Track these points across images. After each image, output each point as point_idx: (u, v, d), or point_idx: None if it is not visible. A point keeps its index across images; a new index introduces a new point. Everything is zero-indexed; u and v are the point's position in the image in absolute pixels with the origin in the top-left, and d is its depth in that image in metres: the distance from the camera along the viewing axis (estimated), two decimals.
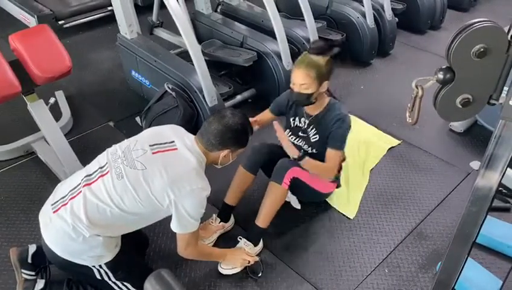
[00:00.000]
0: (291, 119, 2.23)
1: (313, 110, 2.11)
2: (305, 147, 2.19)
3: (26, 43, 2.22)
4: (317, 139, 2.13)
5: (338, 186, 2.34)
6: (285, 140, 2.03)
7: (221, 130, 1.76)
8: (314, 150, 2.17)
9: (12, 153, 2.71)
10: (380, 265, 2.12)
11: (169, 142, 1.74)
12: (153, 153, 1.70)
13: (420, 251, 2.19)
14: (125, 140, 1.81)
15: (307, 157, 2.02)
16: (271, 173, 2.12)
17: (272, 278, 2.04)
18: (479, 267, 2.03)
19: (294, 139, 2.22)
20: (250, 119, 2.02)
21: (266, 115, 2.29)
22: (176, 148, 1.72)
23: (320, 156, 2.09)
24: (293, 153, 2.01)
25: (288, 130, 2.25)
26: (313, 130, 2.14)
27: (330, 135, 2.06)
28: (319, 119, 2.11)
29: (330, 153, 2.07)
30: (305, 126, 2.16)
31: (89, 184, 1.67)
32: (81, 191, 1.66)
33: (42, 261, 1.87)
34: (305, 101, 2.02)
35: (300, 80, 1.94)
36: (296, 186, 2.13)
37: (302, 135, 2.19)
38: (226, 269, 2.04)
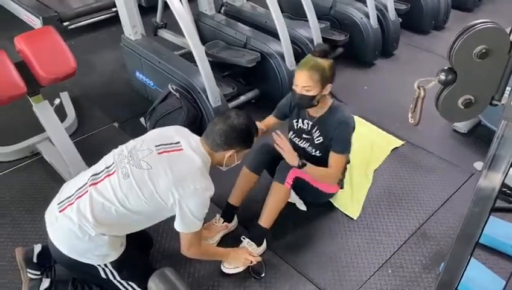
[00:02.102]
0: (294, 121, 2.23)
1: (315, 112, 2.11)
2: (310, 149, 2.19)
3: (31, 44, 2.24)
4: (321, 141, 2.13)
5: (341, 187, 2.34)
6: (286, 149, 2.00)
7: (226, 130, 1.77)
8: (318, 152, 2.17)
9: (18, 154, 2.72)
10: (384, 265, 2.12)
11: (174, 143, 1.76)
12: (159, 153, 1.71)
13: (423, 251, 2.19)
14: (131, 140, 1.83)
15: (307, 166, 2.01)
16: (274, 173, 2.12)
17: (275, 278, 2.05)
18: (482, 267, 2.03)
19: (299, 141, 2.22)
20: (258, 125, 2.02)
21: (270, 120, 2.29)
22: (182, 149, 1.74)
23: (324, 159, 2.10)
24: (293, 161, 2.00)
25: (292, 132, 2.25)
26: (316, 132, 2.14)
27: (333, 138, 2.05)
28: (322, 121, 2.11)
29: (333, 157, 2.07)
30: (309, 128, 2.16)
31: (95, 184, 1.69)
32: (87, 191, 1.68)
33: (47, 260, 1.88)
34: (307, 103, 2.01)
35: (303, 82, 1.94)
36: (300, 187, 2.14)
37: (306, 136, 2.20)
38: (228, 268, 2.05)
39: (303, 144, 2.21)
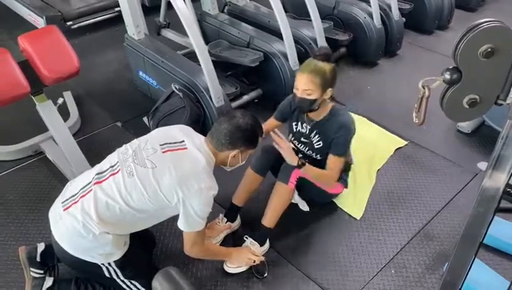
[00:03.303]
0: (293, 124, 2.22)
1: (315, 116, 2.10)
2: (309, 152, 2.19)
3: (35, 44, 2.24)
4: (320, 145, 2.13)
5: (345, 187, 2.34)
6: (285, 148, 2.00)
7: (231, 129, 1.77)
8: (318, 156, 2.17)
9: (21, 153, 2.73)
10: (387, 266, 2.11)
11: (179, 142, 1.76)
12: (163, 152, 1.72)
13: (427, 251, 2.18)
14: (135, 139, 1.83)
15: (306, 165, 2.01)
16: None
17: (278, 277, 2.05)
18: (486, 268, 2.02)
19: (298, 144, 2.22)
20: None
21: (271, 123, 2.29)
22: (186, 148, 1.74)
23: (324, 162, 2.10)
24: (292, 160, 2.00)
25: (291, 135, 2.25)
26: (316, 137, 2.14)
27: (333, 141, 2.05)
28: (321, 125, 2.10)
29: (331, 159, 2.06)
30: (307, 132, 2.16)
31: (100, 182, 1.69)
32: (92, 189, 1.68)
33: (51, 259, 1.89)
34: (307, 107, 2.01)
35: (304, 86, 1.94)
36: (303, 187, 2.14)
37: (304, 140, 2.19)
38: (231, 267, 2.05)
39: (302, 148, 2.21)
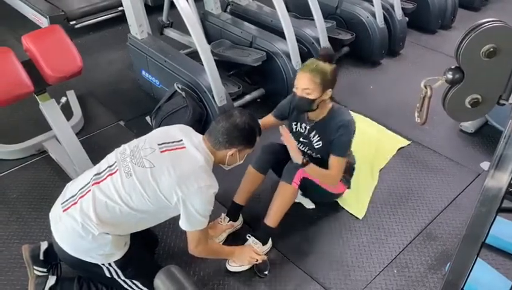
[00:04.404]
0: (293, 124, 2.23)
1: (314, 116, 2.11)
2: (309, 152, 2.19)
3: (38, 43, 2.25)
4: (320, 145, 2.13)
5: (348, 187, 2.34)
6: (291, 145, 2.02)
7: (229, 128, 1.77)
8: (318, 155, 2.17)
9: (24, 152, 2.74)
10: (389, 265, 2.11)
11: (177, 141, 1.76)
12: (161, 151, 1.72)
13: (429, 251, 2.18)
14: (134, 139, 1.84)
15: (310, 164, 2.01)
16: (281, 172, 2.12)
17: (281, 277, 2.05)
18: (489, 268, 2.02)
19: (298, 144, 2.22)
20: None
21: (269, 119, 2.29)
22: (184, 147, 1.74)
23: (324, 161, 2.10)
24: (297, 158, 2.01)
25: (290, 135, 2.25)
26: (315, 137, 2.14)
27: (333, 142, 2.05)
28: (321, 125, 2.11)
29: (333, 160, 2.06)
30: (306, 132, 2.16)
31: (98, 183, 1.69)
32: (90, 190, 1.68)
33: (54, 258, 1.89)
34: (306, 106, 2.01)
35: (304, 85, 1.94)
36: (307, 187, 2.14)
37: (303, 140, 2.20)
38: (234, 266, 2.05)
39: (302, 148, 2.22)
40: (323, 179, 2.13)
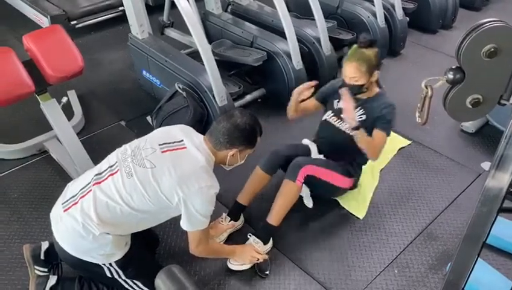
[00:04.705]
0: (335, 101, 2.26)
1: (361, 95, 2.16)
2: (345, 128, 2.19)
3: (39, 43, 2.25)
4: (363, 119, 2.15)
5: (355, 187, 2.36)
6: (349, 107, 2.01)
7: (230, 128, 1.77)
8: (351, 132, 2.15)
9: (25, 152, 2.74)
10: (390, 265, 2.11)
11: (178, 141, 1.76)
12: (162, 151, 1.72)
13: (430, 251, 2.18)
14: (135, 140, 1.84)
15: (362, 129, 2.03)
16: None
17: (281, 277, 2.05)
18: (489, 268, 2.02)
19: (335, 121, 2.25)
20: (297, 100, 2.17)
21: (311, 102, 2.33)
22: (185, 147, 1.74)
23: (353, 144, 2.11)
24: (351, 121, 2.01)
25: (330, 112, 2.29)
26: (360, 111, 2.17)
27: (379, 117, 2.11)
28: (368, 102, 2.17)
29: (377, 133, 2.10)
30: None
31: (99, 183, 1.69)
32: (91, 190, 1.68)
33: (54, 258, 1.90)
34: (357, 91, 2.10)
35: (351, 74, 2.04)
36: (313, 182, 2.14)
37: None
38: (235, 264, 2.06)
39: (339, 124, 2.23)
40: (368, 147, 2.11)
